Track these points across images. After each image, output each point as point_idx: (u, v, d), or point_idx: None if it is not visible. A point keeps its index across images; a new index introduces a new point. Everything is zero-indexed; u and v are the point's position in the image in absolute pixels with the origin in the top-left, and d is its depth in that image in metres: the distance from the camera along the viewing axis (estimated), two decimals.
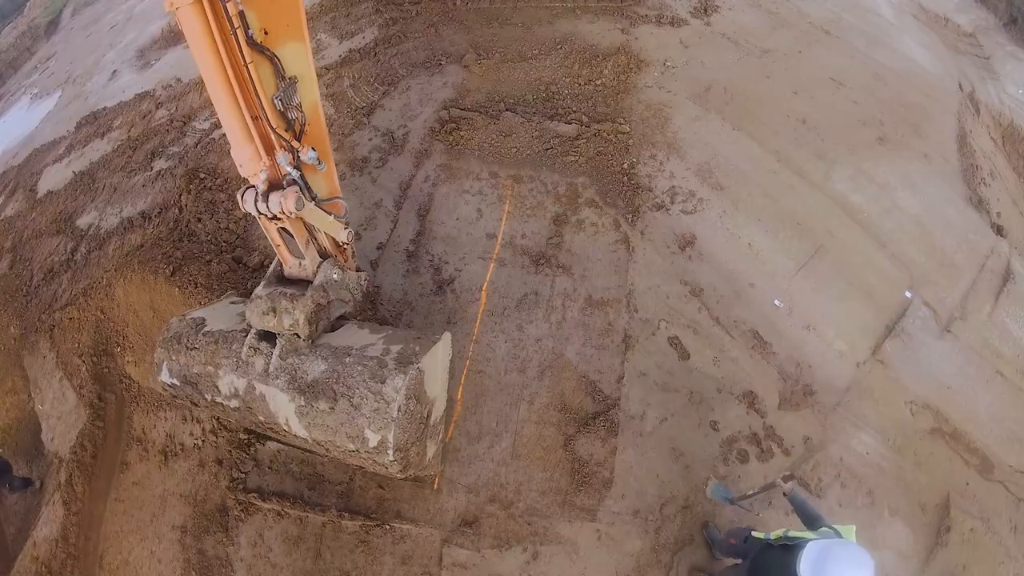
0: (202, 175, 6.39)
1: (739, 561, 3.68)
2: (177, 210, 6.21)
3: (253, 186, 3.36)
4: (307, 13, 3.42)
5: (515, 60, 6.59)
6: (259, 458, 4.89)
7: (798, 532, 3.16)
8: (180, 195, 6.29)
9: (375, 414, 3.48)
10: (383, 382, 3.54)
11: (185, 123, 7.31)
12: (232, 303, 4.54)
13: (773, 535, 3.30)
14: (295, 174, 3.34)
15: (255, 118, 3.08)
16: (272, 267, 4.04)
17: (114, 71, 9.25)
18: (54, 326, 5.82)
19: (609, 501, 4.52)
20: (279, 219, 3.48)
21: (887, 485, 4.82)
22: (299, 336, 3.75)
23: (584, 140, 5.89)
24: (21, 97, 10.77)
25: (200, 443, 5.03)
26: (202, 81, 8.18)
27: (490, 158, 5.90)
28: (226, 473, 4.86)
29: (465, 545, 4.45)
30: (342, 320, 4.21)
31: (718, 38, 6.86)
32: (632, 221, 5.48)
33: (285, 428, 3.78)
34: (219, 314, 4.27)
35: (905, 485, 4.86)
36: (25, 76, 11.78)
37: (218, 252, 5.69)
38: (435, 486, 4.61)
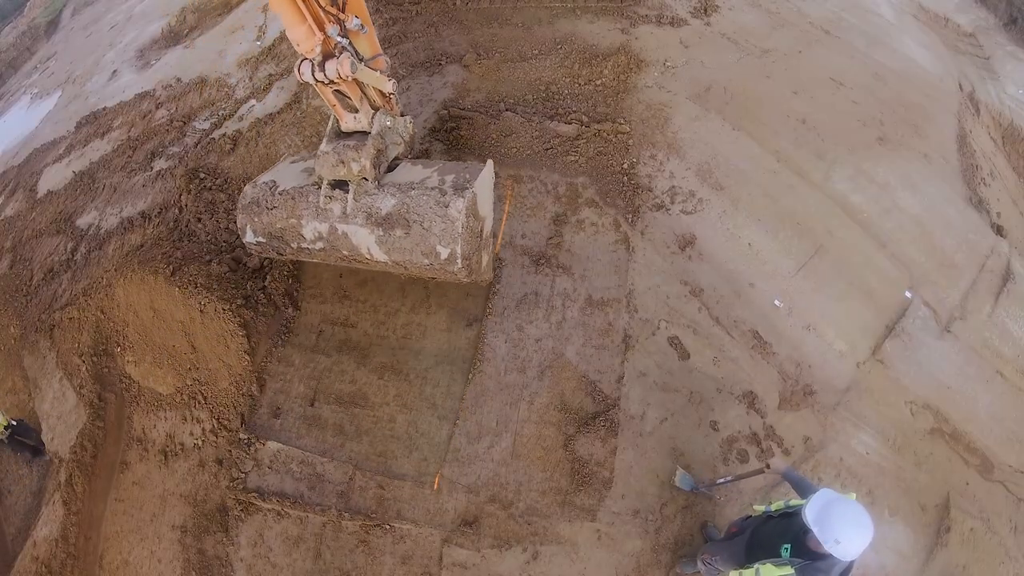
0: (202, 175, 6.39)
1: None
2: (177, 210, 6.21)
3: (307, 59, 3.80)
4: None
5: (515, 60, 6.58)
6: (259, 458, 4.89)
7: (799, 501, 3.15)
8: (180, 195, 6.30)
9: (444, 232, 4.17)
10: (447, 206, 4.18)
11: (185, 123, 7.32)
12: (292, 163, 5.07)
13: (774, 506, 3.31)
14: (344, 42, 3.80)
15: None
16: (330, 126, 4.52)
17: (114, 71, 9.26)
18: (54, 326, 5.83)
19: (609, 501, 4.52)
20: (334, 83, 3.96)
21: (887, 485, 4.81)
22: (367, 179, 4.37)
23: (584, 140, 5.88)
24: (21, 97, 10.79)
25: (200, 443, 5.03)
26: (202, 81, 8.16)
27: (490, 158, 5.89)
28: (226, 473, 4.87)
29: (465, 545, 4.46)
30: (396, 161, 4.77)
31: (718, 38, 6.85)
32: (632, 221, 5.47)
33: (368, 256, 4.48)
34: (285, 174, 4.84)
35: (905, 485, 4.86)
36: (25, 76, 11.80)
37: (218, 252, 5.69)
38: (435, 486, 4.61)
